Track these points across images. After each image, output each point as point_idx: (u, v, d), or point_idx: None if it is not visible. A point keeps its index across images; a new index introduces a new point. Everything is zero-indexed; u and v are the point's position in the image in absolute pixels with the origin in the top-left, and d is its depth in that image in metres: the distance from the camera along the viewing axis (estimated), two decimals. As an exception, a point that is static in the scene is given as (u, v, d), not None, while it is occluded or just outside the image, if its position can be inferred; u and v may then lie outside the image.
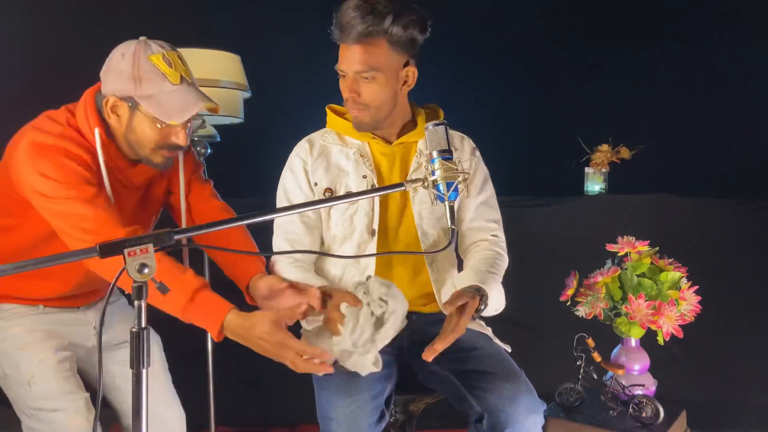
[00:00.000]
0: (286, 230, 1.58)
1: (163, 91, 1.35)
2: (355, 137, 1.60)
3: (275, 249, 1.60)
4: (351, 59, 1.45)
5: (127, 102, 1.37)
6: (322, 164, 1.59)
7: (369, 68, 1.45)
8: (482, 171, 1.69)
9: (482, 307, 1.40)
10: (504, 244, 1.66)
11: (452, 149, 1.21)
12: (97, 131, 1.38)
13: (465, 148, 1.68)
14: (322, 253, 1.59)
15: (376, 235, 1.55)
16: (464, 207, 1.65)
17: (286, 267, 1.53)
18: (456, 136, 1.69)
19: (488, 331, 1.58)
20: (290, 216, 1.57)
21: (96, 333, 1.61)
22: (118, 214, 1.35)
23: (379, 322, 1.29)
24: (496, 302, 1.49)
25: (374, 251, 1.54)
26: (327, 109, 1.65)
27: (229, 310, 1.26)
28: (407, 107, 1.62)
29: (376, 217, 1.55)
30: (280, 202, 1.62)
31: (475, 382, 1.40)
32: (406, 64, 1.51)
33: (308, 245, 1.57)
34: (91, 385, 1.55)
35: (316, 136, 1.65)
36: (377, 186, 1.55)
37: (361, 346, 1.29)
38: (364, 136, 1.59)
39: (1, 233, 1.46)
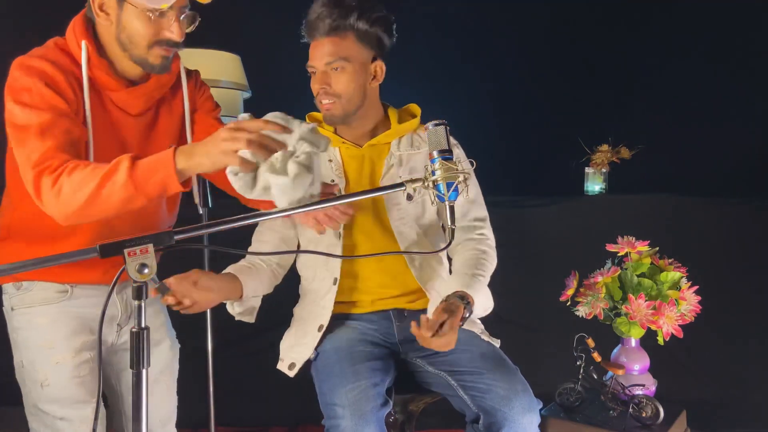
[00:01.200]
0: (261, 241, 1.62)
1: None
2: None
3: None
4: (320, 52, 1.50)
5: None
6: None
7: (338, 58, 1.49)
8: (466, 167, 1.68)
9: (467, 314, 1.40)
10: (492, 242, 1.65)
11: (452, 149, 1.21)
12: (84, 44, 1.30)
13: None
14: (320, 253, 1.58)
15: (342, 238, 1.57)
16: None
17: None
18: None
19: (478, 326, 1.59)
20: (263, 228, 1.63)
21: (116, 325, 1.51)
22: (75, 145, 1.24)
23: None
24: (483, 305, 1.50)
25: (340, 253, 1.56)
26: (306, 117, 1.68)
27: (173, 148, 1.16)
28: (379, 105, 1.64)
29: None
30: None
31: (471, 383, 1.41)
32: (374, 59, 1.55)
33: (265, 247, 1.61)
34: (110, 382, 1.53)
35: None
36: (342, 191, 1.57)
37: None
38: (335, 142, 1.61)
39: (10, 209, 1.40)
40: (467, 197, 1.62)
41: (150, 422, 0.96)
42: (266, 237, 1.63)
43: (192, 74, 1.53)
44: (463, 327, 1.53)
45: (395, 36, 1.58)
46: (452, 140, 1.65)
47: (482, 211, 1.67)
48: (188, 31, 1.36)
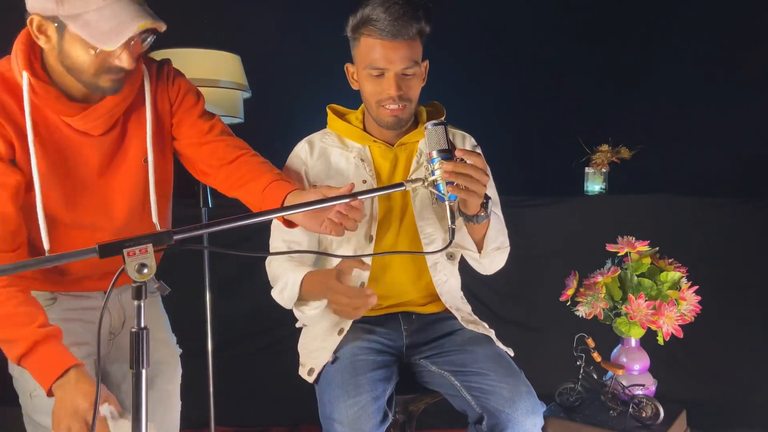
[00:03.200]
0: (284, 231, 1.54)
1: (90, 8, 1.11)
2: (356, 140, 1.58)
3: (272, 250, 1.56)
4: (399, 56, 1.42)
5: (53, 22, 1.15)
6: (322, 166, 1.56)
7: (413, 63, 1.44)
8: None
9: (483, 211, 1.36)
10: (507, 242, 1.63)
11: (452, 148, 1.20)
12: (25, 76, 1.19)
13: (466, 146, 1.66)
14: (322, 253, 1.59)
15: (374, 241, 1.54)
16: None
17: (283, 266, 1.50)
18: (458, 134, 1.68)
19: (491, 333, 1.58)
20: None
21: (110, 334, 1.46)
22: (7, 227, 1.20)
23: None
24: (497, 229, 1.48)
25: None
26: (328, 109, 1.63)
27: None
28: None
29: (375, 224, 1.54)
30: None
31: (474, 383, 1.40)
32: (423, 59, 1.51)
33: (306, 246, 1.54)
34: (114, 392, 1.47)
35: (315, 137, 1.63)
36: None
37: None
38: (365, 140, 1.57)
39: None
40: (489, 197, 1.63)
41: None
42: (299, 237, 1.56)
43: (162, 71, 1.42)
44: (476, 331, 1.55)
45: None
46: (472, 141, 1.67)
47: (499, 212, 1.65)
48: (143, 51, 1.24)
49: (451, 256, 1.61)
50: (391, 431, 1.54)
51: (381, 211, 1.55)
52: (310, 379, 1.48)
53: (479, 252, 1.50)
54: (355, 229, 1.29)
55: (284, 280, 1.45)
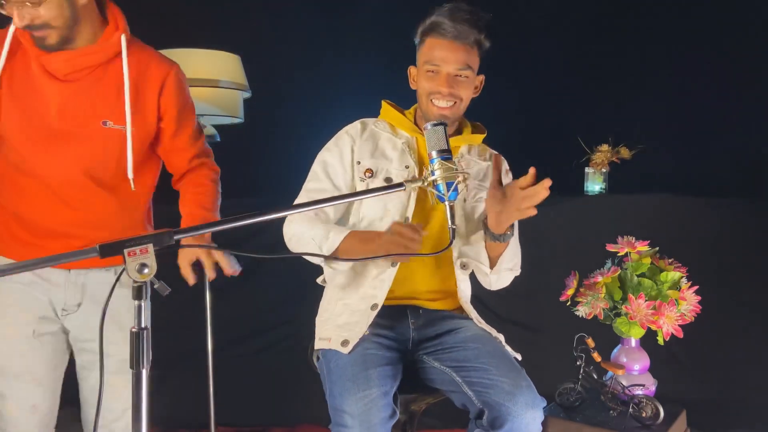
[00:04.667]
0: (311, 197, 1.59)
1: None
2: (407, 130, 1.67)
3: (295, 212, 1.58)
4: (454, 57, 1.54)
5: None
6: (368, 146, 1.64)
7: (466, 66, 1.56)
8: None
9: (509, 232, 1.48)
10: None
11: (451, 149, 1.21)
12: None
13: (502, 169, 1.70)
14: (331, 258, 1.57)
15: (410, 222, 1.57)
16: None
17: (306, 220, 1.55)
18: (494, 153, 1.72)
19: (501, 337, 1.60)
20: (323, 185, 1.60)
21: (61, 310, 1.51)
22: None
23: None
24: (514, 251, 1.57)
25: None
26: (384, 102, 1.71)
27: None
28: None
29: (412, 206, 1.59)
30: (319, 172, 1.63)
31: (476, 379, 1.42)
32: (479, 73, 1.63)
33: (331, 215, 1.61)
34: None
35: (369, 120, 1.72)
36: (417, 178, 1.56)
37: None
38: (414, 131, 1.66)
39: None
40: None
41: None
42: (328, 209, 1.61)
43: (162, 69, 1.52)
44: (485, 335, 1.56)
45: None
46: (506, 165, 1.75)
47: (516, 231, 1.69)
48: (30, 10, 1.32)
49: (465, 266, 1.64)
50: (392, 431, 1.54)
51: (417, 197, 1.61)
52: (346, 350, 1.47)
53: (491, 268, 1.57)
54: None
55: (322, 232, 1.49)
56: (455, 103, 1.58)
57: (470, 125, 1.73)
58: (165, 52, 2.08)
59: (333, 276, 1.61)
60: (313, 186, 1.62)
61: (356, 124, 1.69)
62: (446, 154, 1.19)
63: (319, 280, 1.71)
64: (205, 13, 3.08)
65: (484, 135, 1.73)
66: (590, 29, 3.38)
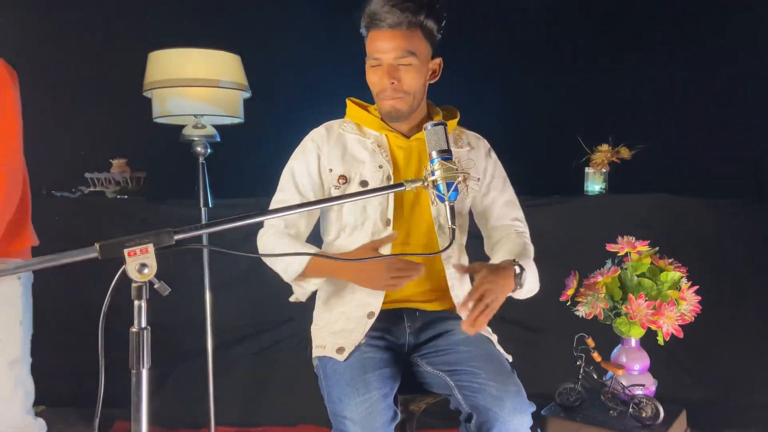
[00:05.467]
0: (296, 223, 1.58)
1: None
2: (374, 128, 1.61)
3: (267, 225, 1.60)
4: (389, 45, 1.46)
5: None
6: (337, 151, 1.59)
7: (407, 53, 1.47)
8: (501, 171, 1.72)
9: (520, 279, 1.45)
10: (529, 238, 1.67)
11: (451, 149, 1.21)
12: None
13: (480, 149, 1.69)
14: (322, 255, 1.58)
15: (391, 225, 1.55)
16: (489, 207, 1.67)
17: (274, 237, 1.53)
18: (472, 136, 1.71)
19: (494, 338, 1.59)
20: (289, 196, 1.58)
21: None
22: None
23: None
24: (531, 282, 1.51)
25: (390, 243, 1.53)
26: (347, 100, 1.66)
27: None
28: (425, 103, 1.63)
29: (391, 207, 1.56)
30: (285, 183, 1.61)
31: (465, 382, 1.41)
32: (433, 57, 1.55)
33: (302, 228, 1.58)
34: None
35: (334, 123, 1.66)
36: (392, 177, 1.55)
37: None
38: (382, 128, 1.60)
39: None
40: (508, 199, 1.67)
41: None
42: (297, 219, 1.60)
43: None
44: (478, 336, 1.54)
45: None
46: (486, 144, 1.71)
47: (520, 212, 1.70)
48: None
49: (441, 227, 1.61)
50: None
51: (395, 197, 1.58)
52: (341, 358, 1.46)
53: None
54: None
55: (288, 255, 1.49)
56: (403, 96, 1.51)
57: (440, 111, 1.66)
58: (165, 52, 2.09)
59: (301, 293, 1.59)
60: (281, 197, 1.59)
61: (320, 130, 1.64)
62: (446, 154, 1.19)
63: (291, 299, 1.66)
64: (205, 13, 3.08)
65: (457, 119, 1.66)
66: (590, 29, 3.38)
